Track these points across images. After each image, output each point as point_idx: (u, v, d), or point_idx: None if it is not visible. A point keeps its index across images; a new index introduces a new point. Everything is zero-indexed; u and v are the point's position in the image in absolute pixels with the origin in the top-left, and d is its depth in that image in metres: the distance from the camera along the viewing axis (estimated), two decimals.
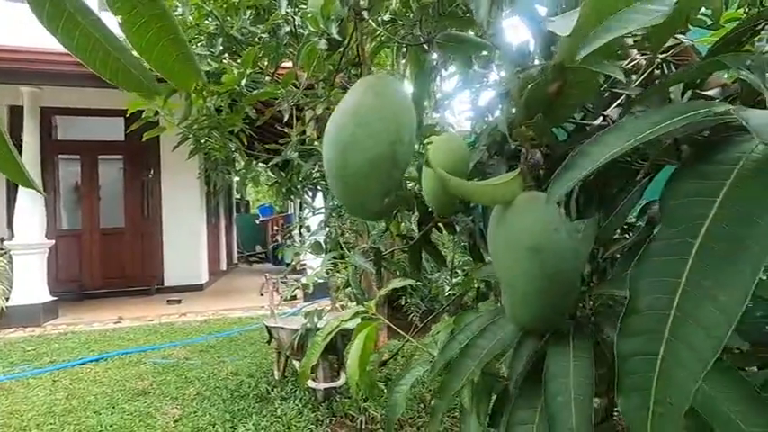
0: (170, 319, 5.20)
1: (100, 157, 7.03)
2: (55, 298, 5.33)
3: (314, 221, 3.65)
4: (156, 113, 2.41)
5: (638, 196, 0.82)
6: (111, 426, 2.42)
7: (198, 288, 7.10)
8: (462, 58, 1.25)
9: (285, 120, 2.22)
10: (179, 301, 6.11)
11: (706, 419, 0.39)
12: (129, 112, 2.14)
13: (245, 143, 3.55)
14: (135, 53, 0.35)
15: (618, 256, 0.86)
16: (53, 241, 5.50)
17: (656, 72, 0.91)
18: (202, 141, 3.83)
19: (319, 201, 4.20)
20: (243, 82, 2.23)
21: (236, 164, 4.00)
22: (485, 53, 1.32)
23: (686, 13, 0.59)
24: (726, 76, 0.80)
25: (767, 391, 0.49)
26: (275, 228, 10.43)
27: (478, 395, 0.96)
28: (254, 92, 2.18)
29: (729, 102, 0.59)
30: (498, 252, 0.58)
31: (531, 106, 0.60)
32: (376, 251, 2.11)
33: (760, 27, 0.76)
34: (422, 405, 2.53)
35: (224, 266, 9.48)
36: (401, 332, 1.27)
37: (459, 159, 0.89)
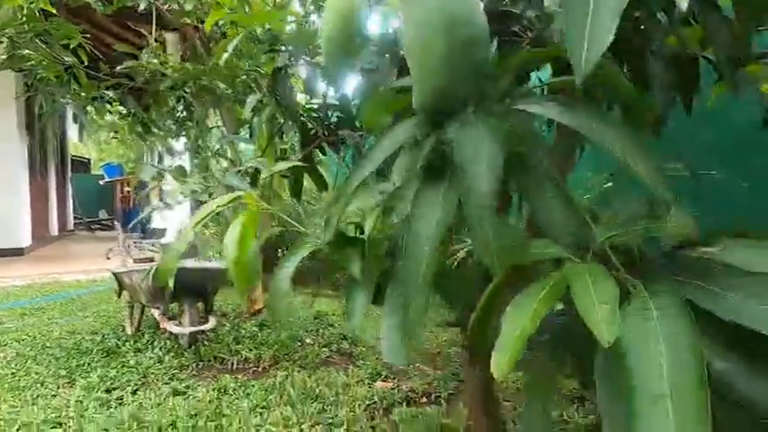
0: None
1: None
2: None
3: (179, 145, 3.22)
4: None
5: None
6: None
7: (16, 252, 5.78)
8: None
9: (143, 8, 1.85)
10: None
11: None
12: None
13: (86, 61, 2.90)
14: None
15: None
16: None
17: None
18: (23, 52, 3.04)
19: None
20: None
21: (73, 89, 3.24)
22: None
23: None
24: None
25: None
26: (126, 189, 8.99)
27: (367, 270, 0.96)
28: None
29: None
30: (411, 21, 0.54)
31: None
32: (254, 171, 1.94)
33: None
34: (299, 343, 2.48)
35: (55, 231, 7.89)
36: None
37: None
